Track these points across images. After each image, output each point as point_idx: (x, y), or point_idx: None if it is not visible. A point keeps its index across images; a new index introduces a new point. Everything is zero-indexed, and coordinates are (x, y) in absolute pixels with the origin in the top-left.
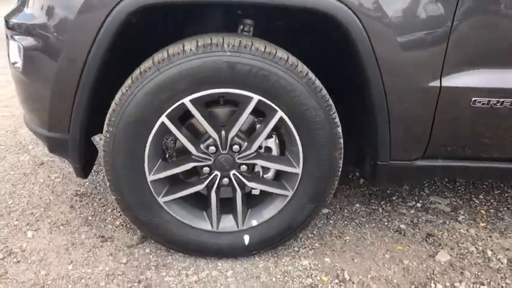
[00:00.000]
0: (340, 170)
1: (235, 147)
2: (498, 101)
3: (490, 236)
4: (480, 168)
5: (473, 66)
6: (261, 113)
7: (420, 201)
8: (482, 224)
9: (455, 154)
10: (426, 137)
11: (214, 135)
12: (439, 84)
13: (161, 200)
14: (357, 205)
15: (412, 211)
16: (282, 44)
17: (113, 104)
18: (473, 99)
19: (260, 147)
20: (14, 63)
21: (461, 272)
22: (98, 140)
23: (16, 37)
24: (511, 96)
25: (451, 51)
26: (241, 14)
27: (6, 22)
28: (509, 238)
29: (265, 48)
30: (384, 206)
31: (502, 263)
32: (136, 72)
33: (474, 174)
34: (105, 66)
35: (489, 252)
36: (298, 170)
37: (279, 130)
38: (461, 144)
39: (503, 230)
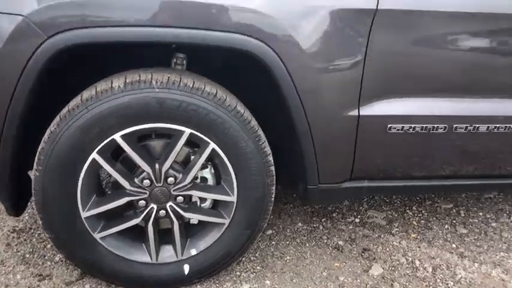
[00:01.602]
0: (274, 195)
1: (170, 180)
2: (410, 127)
3: (419, 246)
4: (400, 186)
5: (387, 96)
6: (196, 143)
7: (359, 217)
8: (413, 235)
9: (378, 175)
10: (350, 162)
11: (148, 169)
12: (357, 114)
13: (97, 235)
14: (299, 224)
15: (351, 227)
16: (214, 76)
17: (42, 143)
18: (388, 125)
19: (196, 177)
20: None
21: (391, 284)
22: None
23: None
24: (422, 122)
25: (366, 83)
26: (175, 48)
27: None
28: (435, 247)
29: (193, 84)
30: (324, 223)
31: (427, 271)
32: (65, 110)
33: (396, 191)
34: (34, 101)
35: (417, 262)
36: (233, 198)
37: (213, 160)
38: (383, 166)
39: (431, 239)
